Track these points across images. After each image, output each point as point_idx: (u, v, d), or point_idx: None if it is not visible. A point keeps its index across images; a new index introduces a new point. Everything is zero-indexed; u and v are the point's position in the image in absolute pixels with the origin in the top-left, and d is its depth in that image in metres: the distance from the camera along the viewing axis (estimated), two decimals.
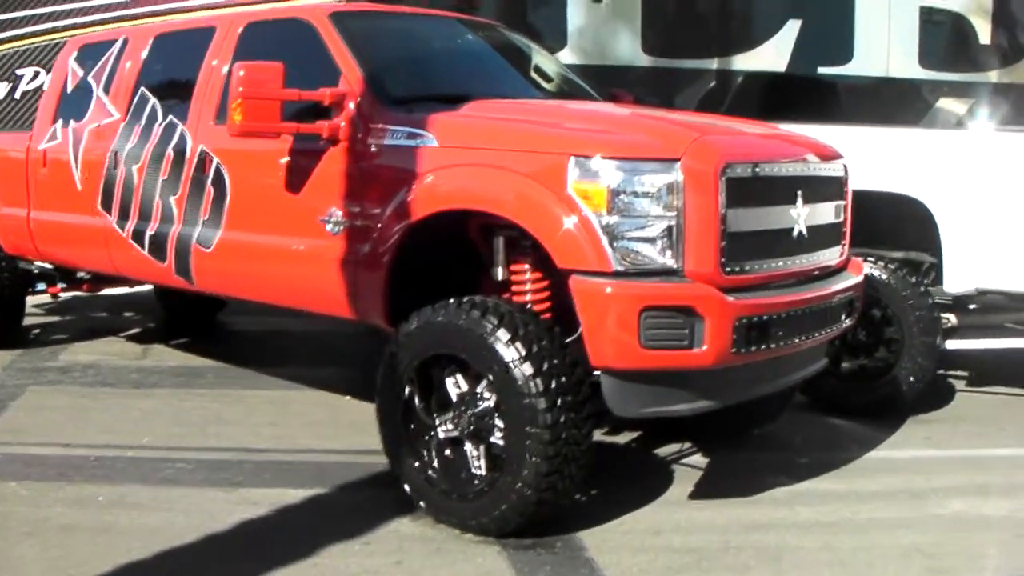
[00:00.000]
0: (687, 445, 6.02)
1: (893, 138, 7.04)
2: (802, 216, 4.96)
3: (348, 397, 6.98)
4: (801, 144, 5.29)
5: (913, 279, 6.58)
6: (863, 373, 6.71)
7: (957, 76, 8.44)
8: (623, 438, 6.13)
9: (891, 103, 8.20)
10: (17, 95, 11.00)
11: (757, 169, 4.71)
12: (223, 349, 8.38)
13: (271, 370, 7.65)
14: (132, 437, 6.03)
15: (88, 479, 5.32)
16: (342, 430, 6.27)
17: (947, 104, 8.10)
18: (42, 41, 10.76)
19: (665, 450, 5.96)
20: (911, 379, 6.59)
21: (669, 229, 4.44)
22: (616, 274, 4.43)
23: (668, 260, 4.46)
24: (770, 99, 8.16)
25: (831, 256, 5.29)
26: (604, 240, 4.42)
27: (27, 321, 8.73)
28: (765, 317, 4.62)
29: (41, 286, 8.32)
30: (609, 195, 4.43)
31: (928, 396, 6.81)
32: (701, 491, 5.36)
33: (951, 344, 6.91)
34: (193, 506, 4.99)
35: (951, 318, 6.87)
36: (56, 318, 9.61)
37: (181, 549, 4.51)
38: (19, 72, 10.97)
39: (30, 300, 8.65)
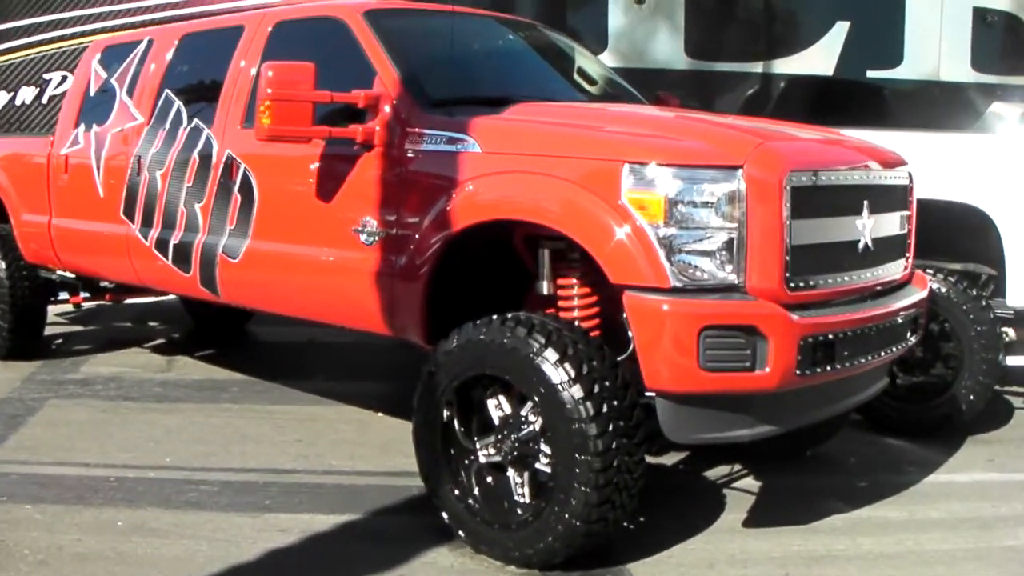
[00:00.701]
0: (737, 467, 5.71)
1: (952, 144, 6.70)
2: (868, 227, 4.65)
3: (380, 414, 6.70)
4: (864, 150, 4.97)
5: (973, 292, 6.24)
6: (920, 391, 6.36)
7: (1013, 79, 8.12)
8: (670, 459, 5.79)
9: (944, 107, 7.89)
10: (44, 100, 10.82)
11: (823, 177, 4.40)
12: (250, 361, 8.13)
13: (299, 384, 7.38)
14: (154, 456, 5.76)
15: (107, 502, 5.04)
16: (373, 449, 5.99)
17: (1004, 108, 7.78)
18: (70, 45, 10.57)
19: (715, 472, 5.65)
20: (971, 397, 6.24)
21: (730, 242, 4.13)
22: (674, 290, 4.12)
23: (729, 275, 4.15)
24: (817, 104, 7.85)
25: (895, 270, 4.97)
26: (661, 253, 4.11)
27: (49, 331, 8.49)
28: (831, 336, 4.31)
29: (63, 295, 8.07)
30: (666, 205, 4.12)
31: (986, 414, 6.45)
32: (755, 518, 5.05)
33: (1011, 360, 6.55)
34: (217, 533, 4.71)
35: (1010, 332, 6.51)
36: (79, 328, 9.37)
37: None
38: (46, 76, 10.79)
39: (52, 309, 8.42)
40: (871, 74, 8.28)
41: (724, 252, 4.13)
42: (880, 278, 4.80)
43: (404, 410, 6.50)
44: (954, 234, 6.49)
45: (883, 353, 4.72)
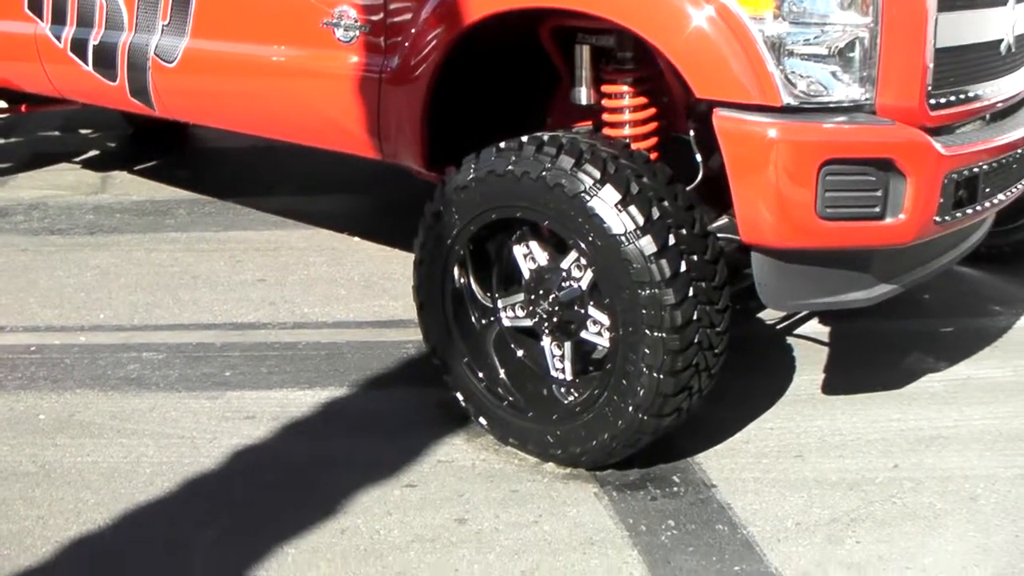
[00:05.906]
0: None
1: None
2: (1014, 22, 3.53)
3: (356, 239, 5.63)
4: None
5: None
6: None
7: None
8: None
9: None
10: None
11: None
12: (198, 173, 6.94)
13: (257, 201, 6.24)
14: (85, 311, 4.68)
15: (26, 384, 3.97)
16: (353, 290, 4.96)
17: None
18: None
19: (769, 313, 4.61)
20: None
21: (859, 42, 3.01)
22: (786, 110, 3.01)
23: (856, 89, 3.04)
24: None
25: None
26: (768, 59, 2.98)
27: None
28: (976, 170, 3.27)
29: None
30: None
31: None
32: (836, 381, 4.08)
33: None
34: (167, 425, 3.67)
35: None
36: None
37: (149, 509, 3.20)
38: None
39: None
40: None
41: (850, 57, 3.01)
42: (1017, 89, 3.70)
43: (384, 232, 5.49)
44: None
45: (1018, 187, 3.68)
